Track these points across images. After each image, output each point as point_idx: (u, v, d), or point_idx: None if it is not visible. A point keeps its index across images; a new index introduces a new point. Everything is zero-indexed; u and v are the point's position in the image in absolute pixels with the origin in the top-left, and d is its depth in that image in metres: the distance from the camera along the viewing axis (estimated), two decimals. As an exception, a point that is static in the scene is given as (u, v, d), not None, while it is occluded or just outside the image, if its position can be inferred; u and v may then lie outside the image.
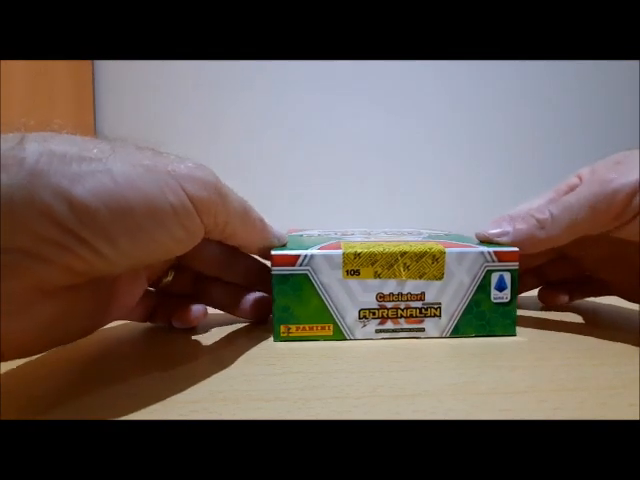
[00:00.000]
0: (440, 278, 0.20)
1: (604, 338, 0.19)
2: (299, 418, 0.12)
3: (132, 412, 0.13)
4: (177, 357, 0.17)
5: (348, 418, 0.12)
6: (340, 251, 0.19)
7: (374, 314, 0.20)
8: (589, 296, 0.25)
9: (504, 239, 0.20)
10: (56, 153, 0.11)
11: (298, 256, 0.19)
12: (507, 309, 0.20)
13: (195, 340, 0.20)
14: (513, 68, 0.87)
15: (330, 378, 0.15)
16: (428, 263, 0.20)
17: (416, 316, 0.20)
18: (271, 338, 0.20)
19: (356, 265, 0.19)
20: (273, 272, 0.19)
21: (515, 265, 0.20)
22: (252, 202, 0.18)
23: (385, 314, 0.20)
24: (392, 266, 0.19)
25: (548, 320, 0.23)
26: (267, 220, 0.20)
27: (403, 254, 0.19)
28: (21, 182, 0.10)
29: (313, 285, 0.19)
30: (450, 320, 0.20)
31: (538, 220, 0.19)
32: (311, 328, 0.20)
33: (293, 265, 0.19)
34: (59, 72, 0.70)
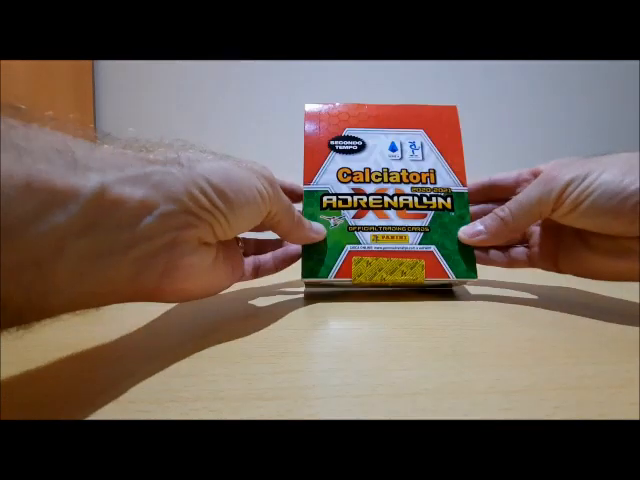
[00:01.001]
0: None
1: (604, 337, 0.19)
2: (299, 418, 0.12)
3: (132, 412, 0.13)
4: (176, 356, 0.17)
5: (348, 417, 0.12)
6: (349, 281, 0.27)
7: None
8: (519, 264, 0.30)
9: (481, 237, 0.26)
10: (193, 158, 0.18)
11: (318, 281, 0.27)
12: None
13: (195, 340, 0.20)
14: (513, 68, 0.87)
15: (330, 377, 0.15)
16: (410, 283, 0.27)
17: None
18: (271, 338, 0.20)
19: (360, 283, 0.27)
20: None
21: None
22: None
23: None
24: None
25: (548, 320, 0.23)
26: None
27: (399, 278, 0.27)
28: (185, 172, 0.17)
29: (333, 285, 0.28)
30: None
31: (501, 218, 0.25)
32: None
33: (316, 281, 0.28)
34: (59, 72, 0.70)
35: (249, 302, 0.28)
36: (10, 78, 0.55)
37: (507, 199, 0.26)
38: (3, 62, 0.53)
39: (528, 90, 0.89)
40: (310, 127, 0.30)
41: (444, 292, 0.31)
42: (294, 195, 0.29)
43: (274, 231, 0.25)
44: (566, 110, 0.90)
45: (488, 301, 0.28)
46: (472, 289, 0.32)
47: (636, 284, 0.25)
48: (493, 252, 0.29)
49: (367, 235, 0.27)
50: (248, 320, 0.23)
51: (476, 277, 0.27)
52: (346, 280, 0.27)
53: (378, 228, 0.27)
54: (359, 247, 0.27)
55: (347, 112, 0.31)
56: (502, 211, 0.25)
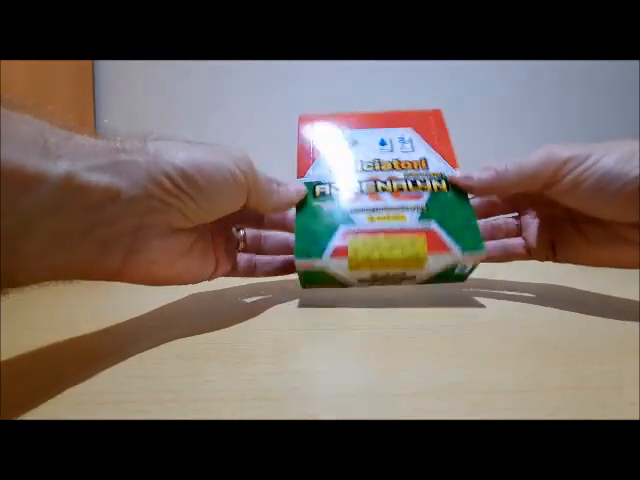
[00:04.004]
0: (421, 268, 0.25)
1: (604, 338, 0.19)
2: (299, 418, 0.12)
3: (132, 412, 0.13)
4: (175, 355, 0.17)
5: (348, 417, 0.12)
6: (345, 263, 0.24)
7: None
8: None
9: (468, 182, 0.25)
10: (161, 147, 0.18)
11: (312, 265, 0.25)
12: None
13: (194, 339, 0.20)
14: (512, 69, 0.87)
15: (330, 377, 0.15)
16: (412, 264, 0.25)
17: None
18: (271, 338, 0.20)
19: (357, 265, 0.25)
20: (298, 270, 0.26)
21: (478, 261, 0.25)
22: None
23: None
24: (382, 268, 0.25)
25: (548, 320, 0.23)
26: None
27: (394, 262, 0.24)
28: (150, 160, 0.17)
29: (330, 275, 0.25)
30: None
31: (496, 171, 0.24)
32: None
33: (311, 268, 0.25)
34: (59, 72, 0.70)
35: (248, 301, 0.28)
36: (10, 78, 0.55)
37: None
38: (3, 62, 0.53)
39: (528, 90, 0.89)
40: (303, 128, 0.31)
41: (444, 293, 0.30)
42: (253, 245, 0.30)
43: (263, 210, 0.25)
44: (566, 109, 0.90)
45: (488, 301, 0.28)
46: (472, 289, 0.32)
47: (635, 280, 0.25)
48: (490, 245, 0.29)
49: (362, 216, 0.26)
50: (248, 320, 0.23)
51: (485, 250, 0.24)
52: (342, 262, 0.25)
53: (373, 210, 0.26)
54: (354, 227, 0.25)
55: (338, 117, 0.33)
56: (499, 166, 0.24)
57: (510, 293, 0.30)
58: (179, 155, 0.18)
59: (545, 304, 0.26)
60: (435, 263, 0.24)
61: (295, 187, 0.26)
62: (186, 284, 0.22)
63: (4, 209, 0.12)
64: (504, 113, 0.88)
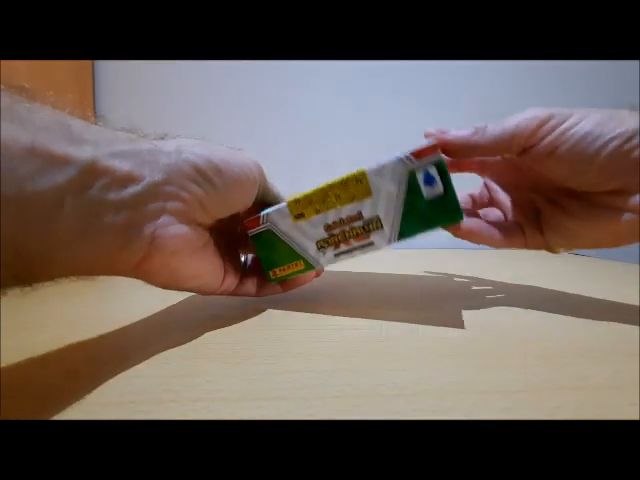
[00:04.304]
0: (369, 195, 0.21)
1: (604, 337, 0.19)
2: (299, 418, 0.12)
3: (133, 412, 0.13)
4: (176, 355, 0.17)
5: (348, 418, 0.12)
6: (284, 203, 0.23)
7: (328, 242, 0.23)
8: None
9: (443, 136, 0.23)
10: (181, 142, 0.19)
11: (259, 217, 0.24)
12: (445, 200, 0.20)
13: (194, 339, 0.20)
14: (512, 68, 0.87)
15: (330, 377, 0.15)
16: (354, 185, 0.21)
17: (362, 234, 0.22)
18: (271, 338, 0.20)
19: (299, 209, 0.23)
20: (249, 234, 0.24)
21: (437, 157, 0.20)
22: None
23: (336, 240, 0.23)
24: (325, 200, 0.22)
25: (547, 320, 0.23)
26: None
27: (331, 187, 0.22)
28: (172, 150, 0.18)
29: (277, 235, 0.24)
30: (392, 228, 0.21)
31: (475, 127, 0.23)
32: (289, 267, 0.24)
33: (259, 225, 0.24)
34: (59, 72, 0.70)
35: (248, 301, 0.28)
36: (10, 78, 0.55)
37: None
38: (3, 62, 0.53)
39: (528, 90, 0.89)
40: None
41: (444, 292, 0.30)
42: None
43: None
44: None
45: (487, 301, 0.28)
46: (471, 289, 0.32)
47: (635, 280, 0.25)
48: (485, 228, 0.25)
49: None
50: (248, 320, 0.23)
51: (437, 148, 0.20)
52: (282, 209, 0.23)
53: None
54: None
55: None
56: (478, 124, 0.23)
57: (508, 293, 0.30)
58: (200, 148, 0.19)
59: (545, 304, 0.26)
60: (381, 178, 0.21)
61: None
62: (198, 290, 0.22)
63: (40, 184, 0.13)
64: (504, 113, 0.88)
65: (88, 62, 0.78)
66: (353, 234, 0.22)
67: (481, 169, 0.28)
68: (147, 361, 0.17)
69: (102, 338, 0.20)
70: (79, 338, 0.20)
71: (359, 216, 0.22)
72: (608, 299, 0.28)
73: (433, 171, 0.20)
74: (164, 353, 0.18)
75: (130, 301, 0.29)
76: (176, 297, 0.29)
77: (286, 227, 0.23)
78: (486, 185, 0.29)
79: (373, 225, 0.22)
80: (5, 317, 0.24)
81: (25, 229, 0.13)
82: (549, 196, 0.24)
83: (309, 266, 0.24)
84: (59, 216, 0.14)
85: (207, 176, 0.19)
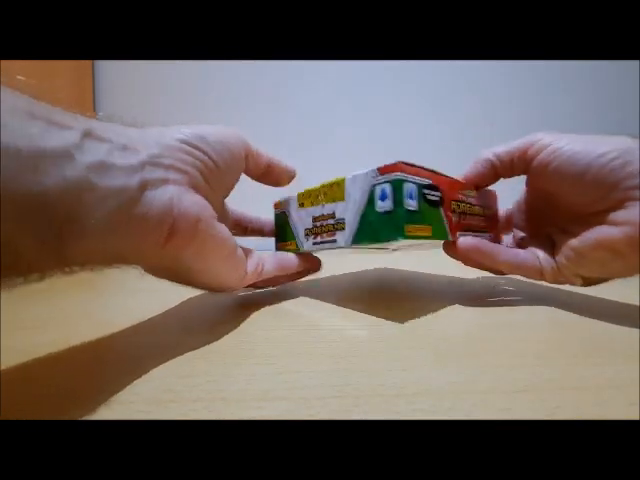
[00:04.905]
0: (342, 199, 0.24)
1: (604, 337, 0.19)
2: (299, 418, 0.12)
3: (132, 412, 0.13)
4: (176, 355, 0.17)
5: (348, 418, 0.12)
6: (296, 193, 0.28)
7: (311, 231, 0.27)
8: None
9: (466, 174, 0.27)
10: (168, 127, 0.21)
11: (281, 202, 0.30)
12: (391, 217, 0.21)
13: (194, 339, 0.20)
14: (512, 68, 0.87)
15: (330, 377, 0.15)
16: (336, 189, 0.24)
17: (331, 230, 0.25)
18: (271, 338, 0.20)
19: (302, 200, 0.28)
20: (275, 212, 0.31)
21: (394, 176, 0.21)
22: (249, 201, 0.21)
23: (316, 231, 0.26)
24: (317, 196, 0.26)
25: (547, 320, 0.23)
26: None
27: (323, 186, 0.25)
28: (162, 129, 0.20)
29: (287, 217, 0.29)
30: (350, 232, 0.23)
31: (489, 156, 0.26)
32: (288, 244, 0.29)
33: (280, 207, 0.30)
34: (59, 72, 0.70)
35: (247, 301, 0.28)
36: (10, 78, 0.55)
37: None
38: (3, 62, 0.53)
39: (528, 90, 0.89)
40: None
41: (443, 291, 0.30)
42: (239, 226, 0.32)
43: (253, 177, 0.27)
44: (566, 109, 0.90)
45: (487, 301, 0.28)
46: (471, 289, 0.32)
47: (634, 280, 0.25)
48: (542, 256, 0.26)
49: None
50: (248, 320, 0.23)
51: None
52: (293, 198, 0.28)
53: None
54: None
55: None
56: (490, 153, 0.26)
57: (507, 293, 0.30)
58: (185, 127, 0.21)
59: (544, 305, 0.26)
60: (353, 187, 0.23)
61: (288, 165, 0.28)
62: (231, 267, 0.22)
63: (50, 143, 0.13)
64: (504, 113, 0.88)
65: (88, 62, 0.78)
66: (326, 229, 0.25)
67: (508, 221, 0.31)
68: (147, 361, 0.17)
69: (102, 339, 0.20)
70: (79, 338, 0.20)
71: (333, 215, 0.25)
72: (608, 299, 0.28)
73: (388, 188, 0.21)
74: (164, 353, 0.18)
75: (130, 303, 0.29)
76: (174, 299, 0.29)
77: (294, 212, 0.28)
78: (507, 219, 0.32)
79: (339, 225, 0.24)
80: (5, 317, 0.24)
81: (43, 179, 0.13)
82: (562, 227, 0.25)
83: (296, 247, 0.28)
84: (84, 205, 0.14)
85: (200, 148, 0.20)
